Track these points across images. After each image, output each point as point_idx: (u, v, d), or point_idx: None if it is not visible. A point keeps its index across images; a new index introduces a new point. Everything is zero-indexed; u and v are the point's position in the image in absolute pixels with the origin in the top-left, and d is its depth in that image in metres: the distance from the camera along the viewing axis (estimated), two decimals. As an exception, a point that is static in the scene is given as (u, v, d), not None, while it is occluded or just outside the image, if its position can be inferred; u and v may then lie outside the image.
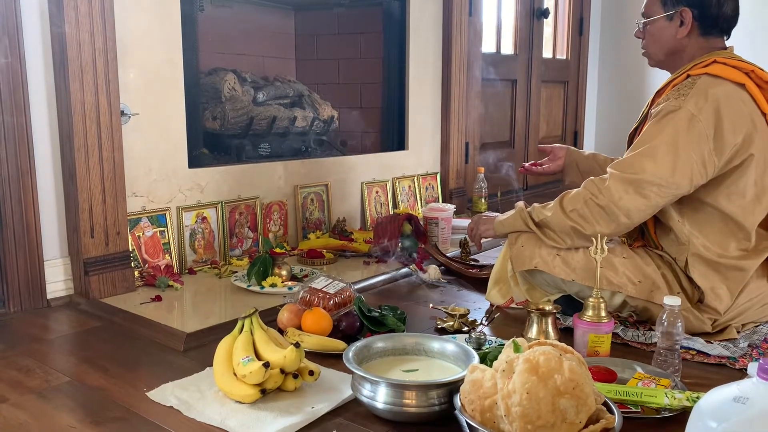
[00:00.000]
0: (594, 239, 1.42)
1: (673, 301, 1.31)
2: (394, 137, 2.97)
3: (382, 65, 2.97)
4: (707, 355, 1.44)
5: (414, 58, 2.91)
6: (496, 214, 1.80)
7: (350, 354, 1.21)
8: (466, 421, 1.02)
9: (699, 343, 1.47)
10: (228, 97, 2.41)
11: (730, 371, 1.39)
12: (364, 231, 2.57)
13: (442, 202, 3.13)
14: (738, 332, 1.54)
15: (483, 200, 3.16)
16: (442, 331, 1.61)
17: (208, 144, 2.37)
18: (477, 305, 1.83)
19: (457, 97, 3.13)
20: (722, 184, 1.51)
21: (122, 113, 1.86)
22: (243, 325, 1.32)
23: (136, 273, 1.92)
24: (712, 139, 1.46)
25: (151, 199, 1.99)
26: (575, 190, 1.59)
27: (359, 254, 2.32)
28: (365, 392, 1.15)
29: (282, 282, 1.90)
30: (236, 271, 2.04)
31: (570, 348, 1.06)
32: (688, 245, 1.53)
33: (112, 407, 1.21)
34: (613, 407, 1.04)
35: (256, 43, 2.93)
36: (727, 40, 1.60)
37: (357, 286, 1.99)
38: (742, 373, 1.37)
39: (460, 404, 1.05)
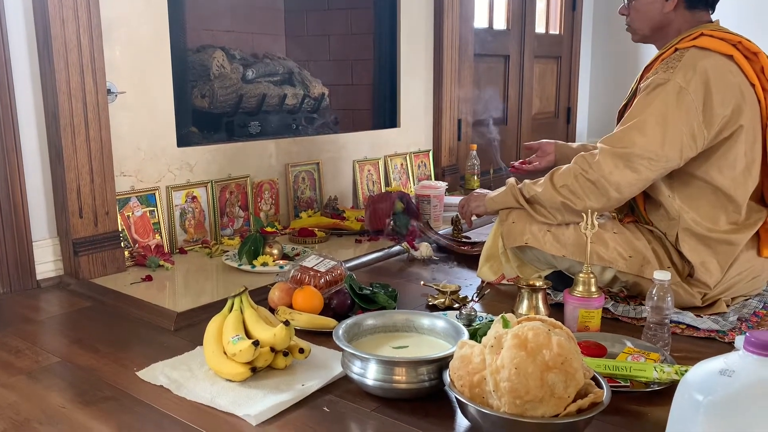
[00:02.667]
0: (584, 215, 1.42)
1: (662, 275, 1.31)
2: (386, 115, 2.95)
3: (373, 41, 2.94)
4: (697, 329, 1.45)
5: (405, 34, 2.88)
6: (487, 191, 1.80)
7: (340, 331, 1.21)
8: (456, 397, 1.02)
9: (689, 317, 1.47)
10: (217, 75, 2.38)
11: (719, 345, 1.39)
12: (356, 209, 2.56)
13: (435, 179, 3.12)
14: (728, 306, 1.55)
15: (475, 177, 3.15)
16: (433, 308, 1.61)
17: (197, 122, 2.35)
18: (468, 282, 1.83)
19: (449, 74, 3.11)
20: (712, 157, 1.50)
21: (109, 92, 1.84)
22: (233, 304, 1.32)
23: (126, 253, 1.91)
24: (701, 111, 1.45)
25: (140, 179, 1.97)
26: (565, 165, 1.59)
27: (351, 232, 2.31)
28: (355, 369, 1.15)
29: (273, 261, 1.89)
30: (227, 251, 2.04)
31: (559, 323, 1.06)
32: (678, 220, 1.53)
33: (102, 387, 1.21)
34: (602, 381, 1.04)
35: (244, 20, 2.89)
36: (712, 13, 1.59)
37: (349, 265, 1.98)
38: (731, 347, 1.38)
39: (449, 380, 1.05)
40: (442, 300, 1.62)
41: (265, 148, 2.35)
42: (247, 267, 1.86)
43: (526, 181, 1.67)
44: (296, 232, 2.23)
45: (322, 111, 2.80)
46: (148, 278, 1.80)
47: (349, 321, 1.27)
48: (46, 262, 1.80)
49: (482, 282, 1.79)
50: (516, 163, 1.90)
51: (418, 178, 3.04)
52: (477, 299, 1.66)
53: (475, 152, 3.13)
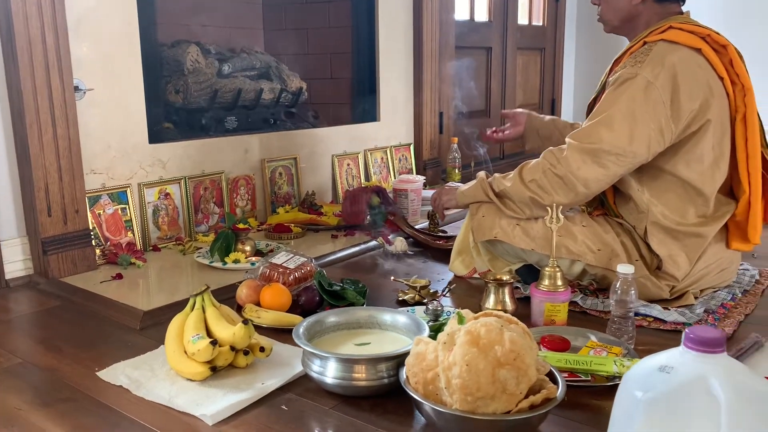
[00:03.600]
0: (549, 208, 1.42)
1: (626, 269, 1.31)
2: (366, 108, 2.93)
3: (351, 34, 2.92)
4: (663, 321, 1.45)
5: (384, 27, 2.87)
6: (459, 184, 1.79)
7: (301, 330, 1.20)
8: (410, 394, 1.02)
9: (656, 310, 1.47)
10: (191, 70, 2.36)
11: (685, 337, 1.39)
12: (335, 204, 2.55)
13: (416, 173, 3.11)
14: (696, 298, 1.55)
15: (457, 171, 3.14)
16: (403, 303, 1.60)
17: (172, 118, 2.34)
18: (441, 276, 1.83)
19: (430, 67, 3.09)
20: (680, 151, 1.50)
21: (76, 89, 1.82)
22: (195, 303, 1.31)
23: (97, 251, 1.90)
24: (669, 105, 1.44)
25: (110, 176, 1.95)
26: (534, 160, 1.58)
27: (328, 228, 2.30)
28: (315, 368, 1.15)
29: (246, 258, 1.88)
30: (201, 248, 2.03)
31: (515, 319, 1.05)
32: (647, 213, 1.52)
33: (61, 388, 1.20)
34: (558, 377, 1.03)
35: (222, 14, 2.87)
36: (683, 5, 1.58)
37: (324, 260, 1.98)
38: (696, 339, 1.38)
39: (405, 377, 1.04)
40: (412, 295, 1.61)
41: (240, 144, 2.34)
42: (219, 264, 1.85)
43: (496, 174, 1.67)
44: (272, 228, 2.22)
45: (301, 105, 2.78)
46: (119, 276, 1.79)
47: (311, 319, 1.26)
48: (15, 261, 1.79)
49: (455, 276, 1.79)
50: (488, 131, 1.91)
51: (399, 171, 3.03)
52: (444, 294, 1.65)
53: (456, 145, 3.12)
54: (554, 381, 1.03)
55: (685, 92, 1.44)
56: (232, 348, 1.21)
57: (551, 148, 1.55)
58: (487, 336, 0.96)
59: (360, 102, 2.94)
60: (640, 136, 1.45)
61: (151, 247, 2.05)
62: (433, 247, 2.08)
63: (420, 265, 1.96)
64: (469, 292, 1.69)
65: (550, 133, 1.85)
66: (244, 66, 2.61)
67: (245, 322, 1.21)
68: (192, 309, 1.30)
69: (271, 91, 2.60)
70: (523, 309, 1.50)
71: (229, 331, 1.22)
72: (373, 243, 2.13)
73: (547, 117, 1.90)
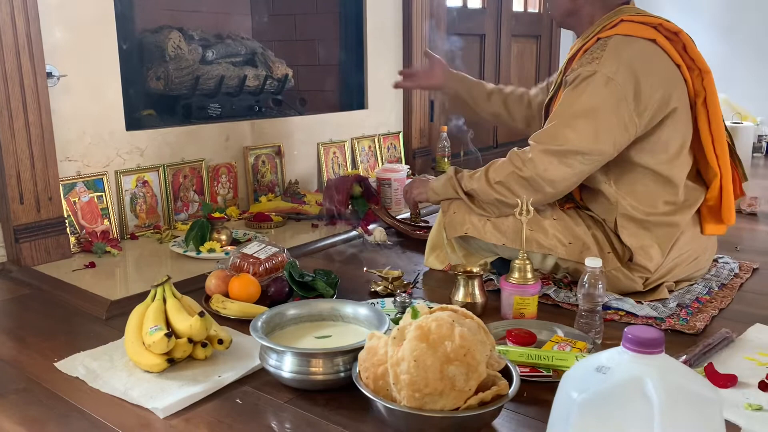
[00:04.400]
0: (519, 200, 1.39)
1: (594, 262, 1.29)
2: (353, 96, 2.90)
3: (339, 20, 2.88)
4: (635, 315, 1.43)
5: (372, 12, 2.83)
6: (431, 176, 1.77)
7: (259, 323, 1.18)
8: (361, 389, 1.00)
9: (628, 304, 1.45)
10: (172, 56, 2.33)
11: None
12: (319, 193, 2.53)
13: (405, 162, 3.08)
14: (671, 291, 1.52)
15: (446, 160, 3.11)
16: (375, 295, 1.58)
17: (153, 105, 2.31)
18: (418, 268, 1.80)
19: (419, 53, 3.05)
20: (645, 141, 1.47)
21: (50, 75, 1.80)
22: (155, 293, 1.29)
23: (72, 239, 1.88)
24: (631, 100, 1.42)
25: (86, 164, 1.94)
26: (501, 160, 1.55)
27: (310, 217, 2.28)
28: (272, 362, 1.13)
29: (221, 247, 1.87)
30: (178, 236, 2.01)
31: (470, 314, 1.03)
32: (616, 206, 1.50)
33: (17, 379, 1.19)
34: (514, 373, 1.01)
35: (208, 0, 2.84)
36: None
37: (303, 250, 1.97)
38: (666, 333, 1.36)
39: (357, 372, 1.03)
40: (384, 286, 1.59)
41: (221, 131, 2.31)
42: (193, 253, 1.83)
43: (465, 172, 1.64)
44: (252, 216, 2.20)
45: (287, 92, 2.75)
46: (91, 265, 1.77)
47: (270, 311, 1.24)
48: (-12, 249, 1.78)
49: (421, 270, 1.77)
50: (403, 71, 2.01)
51: (388, 160, 3.01)
52: (415, 286, 1.63)
53: (445, 134, 3.08)
54: (510, 377, 1.01)
55: (646, 85, 1.42)
56: (190, 340, 1.19)
57: (515, 149, 1.53)
58: (437, 331, 0.94)
59: (347, 89, 2.91)
60: (605, 134, 1.42)
61: (128, 236, 2.03)
62: (413, 237, 2.06)
63: (399, 255, 1.94)
64: (442, 284, 1.66)
65: (475, 98, 1.90)
66: (229, 52, 2.58)
67: (201, 314, 1.19)
68: (153, 300, 1.29)
69: (256, 77, 2.57)
70: (496, 301, 1.48)
71: (188, 323, 1.21)
72: (354, 233, 2.11)
73: (472, 79, 1.90)
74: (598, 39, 1.49)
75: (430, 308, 1.05)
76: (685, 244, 1.51)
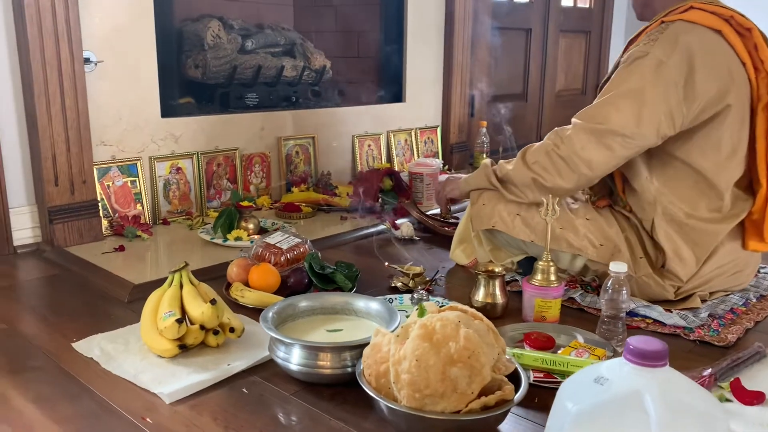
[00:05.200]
0: (544, 199, 1.35)
1: (618, 267, 1.23)
2: (391, 88, 2.88)
3: (380, 11, 2.86)
4: (663, 324, 1.37)
5: (414, 4, 2.79)
6: (463, 174, 1.74)
7: (270, 314, 1.18)
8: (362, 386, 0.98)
9: (656, 312, 1.39)
10: (211, 45, 2.35)
11: (683, 342, 1.31)
12: (351, 186, 2.52)
13: (442, 157, 3.05)
14: (704, 301, 1.45)
15: (484, 156, 3.06)
16: (394, 290, 1.56)
17: (190, 93, 2.34)
18: (443, 264, 1.77)
19: (461, 47, 3.01)
20: (695, 137, 1.40)
21: (87, 60, 1.84)
22: (173, 279, 1.30)
23: (105, 222, 1.92)
24: (681, 87, 1.35)
25: (121, 149, 1.97)
26: (538, 143, 1.51)
27: (340, 209, 2.27)
28: (280, 354, 1.12)
29: (248, 236, 1.87)
30: (209, 224, 2.03)
31: (480, 315, 1.00)
32: (654, 204, 1.44)
33: (34, 356, 1.21)
34: (523, 378, 0.98)
35: (251, -11, 2.85)
36: None
37: (330, 242, 1.96)
38: (694, 344, 1.30)
39: (361, 368, 1.01)
40: (405, 282, 1.57)
41: (256, 121, 2.32)
42: (220, 241, 1.84)
43: (501, 161, 1.60)
44: (282, 206, 2.20)
45: (325, 84, 2.75)
46: (121, 248, 1.80)
47: (282, 302, 1.23)
48: (24, 228, 1.83)
49: (455, 265, 1.74)
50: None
51: (425, 154, 2.97)
52: (436, 282, 1.60)
53: (485, 129, 3.03)
54: (518, 382, 0.98)
55: (701, 74, 1.35)
56: (203, 327, 1.20)
57: (556, 128, 1.48)
58: (441, 331, 0.92)
59: (385, 82, 2.89)
60: (649, 118, 1.36)
61: (161, 221, 2.06)
62: (441, 233, 2.03)
63: (425, 251, 1.91)
64: (465, 283, 1.63)
65: None
66: (268, 42, 2.59)
67: (213, 301, 1.20)
68: (170, 285, 1.29)
69: (294, 68, 2.57)
70: (519, 303, 1.44)
71: (201, 309, 1.21)
72: (382, 227, 2.09)
73: None
74: (662, 23, 1.43)
75: (441, 307, 1.02)
76: (726, 255, 1.43)
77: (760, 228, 1.42)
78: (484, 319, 1.00)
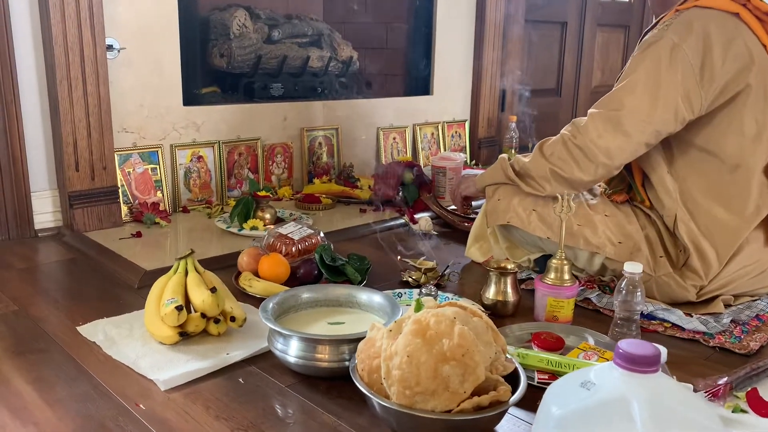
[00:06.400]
0: (559, 196, 1.30)
1: (633, 267, 1.18)
2: (419, 81, 2.84)
3: (410, 3, 2.82)
4: (681, 329, 1.31)
5: (443, -4, 2.75)
6: (479, 171, 1.69)
7: (270, 304, 1.16)
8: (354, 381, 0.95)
9: (676, 316, 1.33)
10: (237, 35, 2.35)
11: (702, 349, 1.25)
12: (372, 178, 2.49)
13: (470, 151, 3.00)
14: (729, 306, 1.38)
15: (513, 151, 2.99)
16: (405, 285, 1.53)
17: (215, 82, 2.34)
18: (460, 260, 1.73)
19: (492, 39, 2.95)
20: (714, 120, 1.35)
21: (110, 47, 1.85)
22: (178, 266, 1.29)
23: (125, 208, 1.93)
24: (698, 69, 1.30)
25: (142, 136, 1.98)
26: (555, 136, 1.47)
27: (360, 201, 2.25)
28: (278, 345, 1.10)
29: (264, 225, 1.87)
30: (228, 212, 2.02)
31: (480, 312, 0.96)
32: (676, 199, 1.38)
33: (40, 339, 1.22)
34: (522, 380, 0.94)
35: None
36: None
37: (348, 234, 1.94)
38: (714, 351, 1.23)
39: (355, 362, 0.98)
40: (416, 277, 1.54)
41: (279, 111, 2.31)
42: (235, 229, 1.84)
43: (517, 155, 1.56)
44: (302, 197, 2.19)
45: (351, 75, 2.72)
46: (138, 235, 1.81)
47: (285, 293, 1.22)
48: (45, 212, 1.85)
49: (471, 261, 1.70)
50: None
51: (452, 149, 2.93)
52: (448, 278, 1.57)
53: (514, 124, 2.96)
54: (515, 382, 0.94)
55: (718, 55, 1.30)
56: (204, 315, 1.19)
57: (573, 119, 1.44)
58: (435, 327, 0.89)
59: (413, 74, 2.85)
60: (666, 102, 1.31)
61: (181, 209, 2.07)
62: (460, 229, 1.99)
63: (442, 246, 1.88)
64: (479, 279, 1.58)
65: None
66: (295, 32, 2.57)
67: (213, 290, 1.18)
68: (175, 272, 1.29)
69: (320, 59, 2.55)
70: (525, 301, 1.40)
71: (202, 297, 1.20)
72: (401, 220, 2.06)
73: None
74: (677, 11, 1.38)
75: (440, 304, 0.99)
76: (750, 256, 1.36)
77: None
78: (484, 316, 0.96)
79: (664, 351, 0.91)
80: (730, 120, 1.33)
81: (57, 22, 1.71)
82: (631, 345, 0.61)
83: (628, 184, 1.51)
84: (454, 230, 2.00)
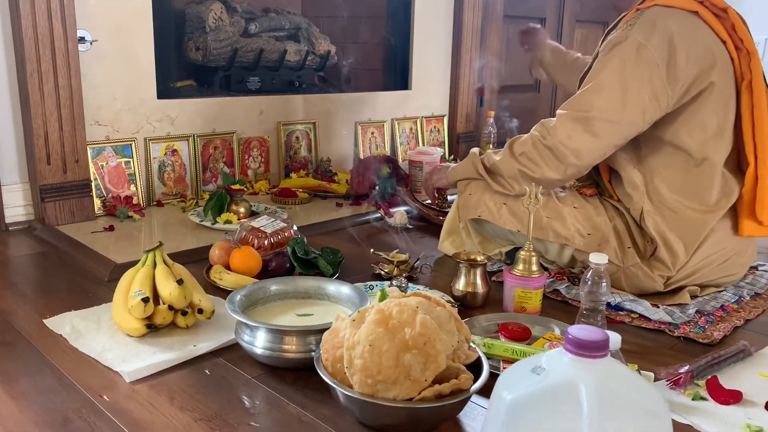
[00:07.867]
0: (527, 188, 1.31)
1: (599, 258, 1.19)
2: (397, 75, 2.84)
3: (387, -3, 2.82)
4: (648, 319, 1.32)
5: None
6: (452, 164, 1.70)
7: (237, 296, 1.16)
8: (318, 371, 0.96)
9: (642, 307, 1.34)
10: (213, 28, 2.34)
11: (667, 339, 1.26)
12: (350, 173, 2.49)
13: (448, 146, 3.01)
14: (694, 297, 1.40)
15: (491, 146, 3.00)
16: (377, 277, 1.54)
17: (190, 76, 2.33)
18: (433, 253, 1.74)
19: (470, 35, 2.95)
20: (680, 117, 1.37)
21: (82, 40, 1.83)
22: (146, 258, 1.29)
23: (98, 202, 1.92)
24: (664, 68, 1.32)
25: (115, 129, 1.97)
26: (526, 134, 1.48)
27: (337, 196, 2.25)
28: (245, 337, 1.10)
29: (239, 219, 1.86)
30: (202, 206, 2.02)
31: (443, 302, 0.97)
32: (643, 193, 1.40)
33: (6, 332, 1.21)
34: (485, 368, 0.95)
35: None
36: None
37: (323, 228, 1.94)
38: (678, 341, 1.25)
39: (320, 352, 0.99)
40: (388, 270, 1.54)
41: (255, 105, 2.31)
42: (209, 223, 1.83)
43: (489, 150, 1.57)
44: (278, 191, 2.19)
45: (329, 69, 2.72)
46: (111, 228, 1.80)
47: (252, 285, 1.22)
48: (16, 206, 1.84)
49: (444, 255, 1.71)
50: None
51: (431, 143, 2.93)
52: (420, 270, 1.57)
53: (492, 119, 2.97)
54: (479, 372, 0.95)
55: (682, 54, 1.32)
56: (171, 307, 1.19)
57: (542, 120, 1.45)
58: (398, 316, 0.89)
59: (391, 69, 2.85)
60: (634, 102, 1.33)
61: (155, 203, 2.06)
62: (435, 222, 1.99)
63: (417, 240, 1.88)
64: (451, 271, 1.58)
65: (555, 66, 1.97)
66: (272, 26, 2.57)
67: (180, 281, 1.18)
68: (143, 265, 1.28)
69: (297, 53, 2.55)
70: (495, 293, 1.41)
71: (169, 290, 1.20)
72: (377, 214, 2.07)
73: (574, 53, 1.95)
74: (638, 10, 1.39)
75: (405, 294, 1.00)
76: (715, 244, 1.38)
77: (752, 208, 1.37)
78: (447, 306, 0.96)
79: (617, 338, 0.92)
80: (694, 116, 1.36)
81: (27, 14, 1.69)
82: (580, 330, 0.62)
83: (596, 181, 1.52)
84: (429, 224, 2.01)
